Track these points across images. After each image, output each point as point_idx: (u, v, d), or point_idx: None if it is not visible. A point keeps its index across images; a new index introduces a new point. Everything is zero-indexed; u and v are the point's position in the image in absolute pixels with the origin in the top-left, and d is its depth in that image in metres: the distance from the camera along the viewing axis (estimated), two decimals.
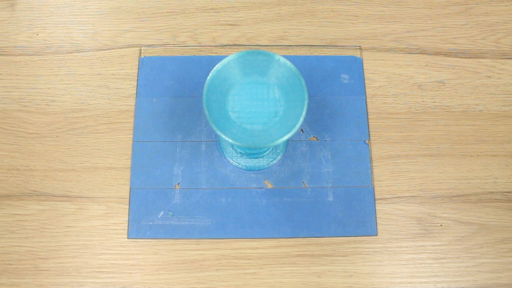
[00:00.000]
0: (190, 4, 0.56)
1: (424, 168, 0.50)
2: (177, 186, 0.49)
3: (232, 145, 0.50)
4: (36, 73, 0.53)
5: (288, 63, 0.38)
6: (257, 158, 0.50)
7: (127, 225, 0.48)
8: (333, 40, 0.54)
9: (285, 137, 0.36)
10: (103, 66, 0.53)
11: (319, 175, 0.50)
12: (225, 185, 0.49)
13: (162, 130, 0.51)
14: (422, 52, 0.54)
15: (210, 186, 0.49)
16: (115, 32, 0.54)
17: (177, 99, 0.52)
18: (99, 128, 0.51)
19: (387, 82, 0.53)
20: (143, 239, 0.48)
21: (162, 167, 0.50)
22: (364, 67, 0.53)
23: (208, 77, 0.38)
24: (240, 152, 0.49)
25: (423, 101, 0.52)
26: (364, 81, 0.53)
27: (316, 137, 0.51)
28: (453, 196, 0.50)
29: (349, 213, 0.49)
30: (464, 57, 0.54)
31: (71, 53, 0.54)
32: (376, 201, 0.49)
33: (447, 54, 0.54)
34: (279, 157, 0.50)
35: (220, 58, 0.52)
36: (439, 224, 0.49)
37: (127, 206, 0.49)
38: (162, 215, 0.48)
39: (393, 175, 0.50)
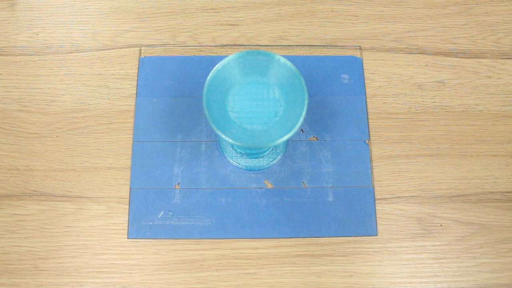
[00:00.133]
0: (190, 4, 0.56)
1: (424, 168, 0.50)
2: (177, 186, 0.49)
3: (232, 145, 0.50)
4: (36, 73, 0.53)
5: (288, 63, 0.38)
6: (257, 158, 0.50)
7: (127, 225, 0.48)
8: (333, 40, 0.54)
9: (285, 137, 0.36)
10: (103, 66, 0.53)
11: (319, 175, 0.50)
12: (225, 185, 0.49)
13: (162, 130, 0.51)
14: (422, 52, 0.54)
15: (210, 186, 0.49)
16: (115, 32, 0.54)
17: (177, 99, 0.52)
18: (99, 128, 0.51)
19: (387, 82, 0.53)
20: (143, 239, 0.48)
21: (162, 167, 0.50)
22: (364, 67, 0.53)
23: (208, 77, 0.38)
24: (240, 152, 0.49)
25: (423, 101, 0.52)
26: (364, 81, 0.53)
27: (316, 137, 0.51)
28: (453, 196, 0.50)
29: (349, 213, 0.49)
30: (464, 57, 0.54)
31: (71, 53, 0.54)
32: (376, 201, 0.49)
33: (447, 54, 0.54)
34: (279, 157, 0.50)
35: (220, 58, 0.52)
36: (439, 224, 0.49)
37: (127, 206, 0.49)
38: (162, 215, 0.48)
39: (393, 175, 0.50)
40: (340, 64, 0.53)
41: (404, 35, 0.55)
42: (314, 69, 0.53)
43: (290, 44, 0.54)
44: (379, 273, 0.47)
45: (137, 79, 0.53)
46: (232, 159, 0.50)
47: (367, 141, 0.51)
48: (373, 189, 0.49)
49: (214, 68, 0.38)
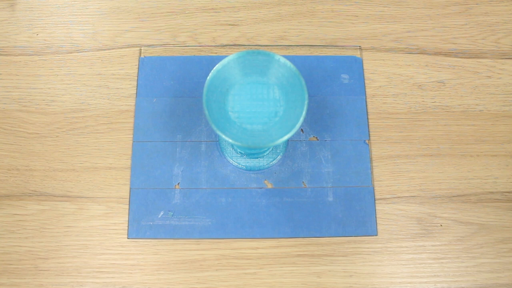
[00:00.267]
0: (190, 4, 0.56)
1: (424, 168, 0.50)
2: (177, 186, 0.49)
3: (232, 145, 0.50)
4: (36, 73, 0.53)
5: (288, 63, 0.38)
6: (257, 158, 0.50)
7: (127, 225, 0.48)
8: (333, 40, 0.54)
9: (285, 137, 0.36)
10: (103, 66, 0.53)
11: (319, 175, 0.50)
12: (225, 185, 0.49)
13: (162, 130, 0.51)
14: (422, 52, 0.54)
15: (210, 186, 0.49)
16: (115, 32, 0.54)
17: (177, 99, 0.52)
18: (99, 128, 0.51)
19: (387, 82, 0.53)
20: (143, 239, 0.48)
21: (162, 167, 0.50)
22: (364, 67, 0.53)
23: (208, 77, 0.38)
24: (240, 152, 0.49)
25: (423, 101, 0.52)
26: (364, 81, 0.53)
27: (316, 137, 0.51)
28: (453, 196, 0.50)
29: (349, 213, 0.49)
30: (464, 57, 0.54)
31: (71, 53, 0.54)
32: (376, 201, 0.49)
33: (447, 54, 0.54)
34: (279, 157, 0.50)
35: (220, 58, 0.52)
36: (439, 224, 0.49)
37: (127, 206, 0.49)
38: (162, 215, 0.48)
39: (393, 175, 0.50)
40: (340, 64, 0.53)
41: (404, 35, 0.55)
42: (314, 69, 0.53)
43: (290, 44, 0.54)
44: (379, 273, 0.47)
45: (137, 79, 0.53)
46: (232, 159, 0.50)
47: (367, 141, 0.51)
48: (373, 189, 0.49)
49: (214, 68, 0.38)
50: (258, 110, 0.39)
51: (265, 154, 0.50)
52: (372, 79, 0.53)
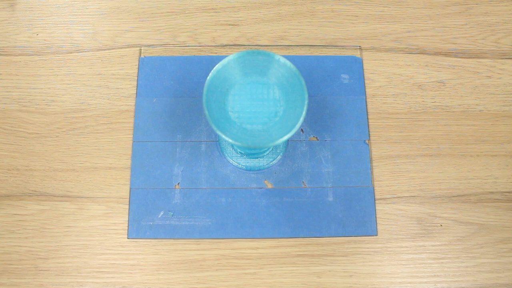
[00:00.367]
0: (190, 4, 0.56)
1: (424, 168, 0.50)
2: (177, 186, 0.49)
3: (232, 145, 0.50)
4: (36, 73, 0.53)
5: (288, 63, 0.38)
6: (257, 158, 0.50)
7: (127, 225, 0.48)
8: (333, 40, 0.54)
9: (285, 137, 0.36)
10: (103, 66, 0.53)
11: (319, 175, 0.50)
12: (225, 185, 0.49)
13: (162, 130, 0.51)
14: (422, 52, 0.54)
15: (210, 186, 0.49)
16: (115, 32, 0.54)
17: (177, 99, 0.52)
18: (99, 128, 0.51)
19: (387, 82, 0.53)
20: (143, 239, 0.48)
21: (162, 167, 0.50)
22: (364, 67, 0.53)
23: (208, 77, 0.38)
24: (240, 152, 0.49)
25: (423, 101, 0.52)
26: (364, 81, 0.53)
27: (316, 137, 0.51)
28: (453, 196, 0.50)
29: (349, 213, 0.49)
30: (464, 57, 0.54)
31: (71, 53, 0.54)
32: (376, 201, 0.49)
33: (447, 54, 0.54)
34: (279, 157, 0.50)
35: (220, 58, 0.52)
36: (439, 224, 0.49)
37: (127, 206, 0.49)
38: (162, 215, 0.48)
39: (393, 175, 0.50)
40: (340, 64, 0.53)
41: (404, 35, 0.55)
42: (314, 69, 0.53)
43: (290, 44, 0.54)
44: (379, 273, 0.47)
45: (137, 79, 0.53)
46: (232, 159, 0.50)
47: (367, 141, 0.51)
48: (373, 189, 0.49)
49: (214, 68, 0.38)
50: (258, 110, 0.39)
51: (265, 154, 0.50)
52: (372, 79, 0.53)
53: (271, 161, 0.50)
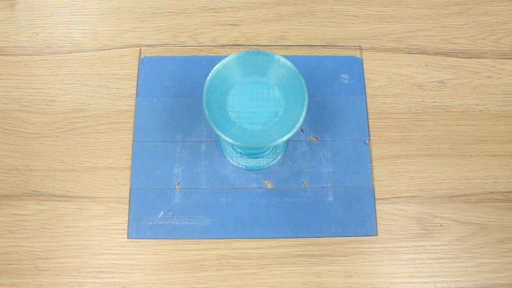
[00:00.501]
0: (190, 4, 0.56)
1: (424, 168, 0.50)
2: (177, 186, 0.49)
3: (232, 145, 0.50)
4: (36, 73, 0.53)
5: (288, 63, 0.38)
6: (257, 158, 0.50)
7: (127, 225, 0.48)
8: (333, 40, 0.54)
9: (285, 137, 0.36)
10: (103, 66, 0.53)
11: (319, 175, 0.50)
12: (225, 185, 0.49)
13: (162, 130, 0.51)
14: (422, 52, 0.54)
15: (210, 186, 0.49)
16: (115, 32, 0.54)
17: (177, 99, 0.52)
18: (99, 128, 0.51)
19: (387, 82, 0.53)
20: (143, 239, 0.48)
21: (162, 167, 0.50)
22: (364, 67, 0.53)
23: (208, 77, 0.38)
24: (240, 152, 0.49)
25: (423, 101, 0.52)
26: (364, 81, 0.53)
27: (316, 137, 0.51)
28: (453, 196, 0.50)
29: (349, 213, 0.49)
30: (464, 57, 0.54)
31: (71, 53, 0.54)
32: (376, 201, 0.49)
33: (447, 54, 0.54)
34: (279, 157, 0.50)
35: (220, 58, 0.52)
36: (439, 224, 0.49)
37: (127, 206, 0.49)
38: (162, 215, 0.48)
39: (393, 175, 0.50)
40: (340, 64, 0.53)
41: (404, 35, 0.55)
42: (314, 69, 0.53)
43: (290, 44, 0.54)
44: (379, 273, 0.47)
45: (137, 79, 0.53)
46: (232, 159, 0.50)
47: (367, 141, 0.51)
48: (373, 189, 0.49)
49: (214, 68, 0.38)
50: (258, 110, 0.39)
51: (265, 154, 0.50)
52: (372, 79, 0.53)
53: (271, 161, 0.50)
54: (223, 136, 0.37)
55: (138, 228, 0.48)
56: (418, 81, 0.53)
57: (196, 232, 0.48)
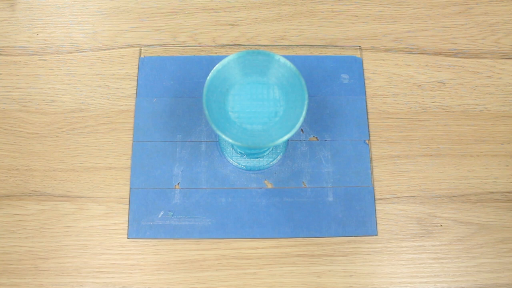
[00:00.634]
0: (190, 4, 0.56)
1: (424, 168, 0.50)
2: (177, 186, 0.49)
3: (232, 145, 0.50)
4: (36, 73, 0.53)
5: (288, 63, 0.38)
6: (257, 158, 0.50)
7: (127, 225, 0.48)
8: (333, 40, 0.54)
9: (285, 137, 0.36)
10: (103, 66, 0.53)
11: (319, 175, 0.50)
12: (225, 185, 0.49)
13: (162, 130, 0.51)
14: (422, 52, 0.54)
15: (210, 186, 0.49)
16: (115, 32, 0.54)
17: (177, 99, 0.52)
18: (99, 128, 0.51)
19: (387, 82, 0.53)
20: (143, 239, 0.48)
21: (162, 167, 0.50)
22: (364, 67, 0.53)
23: (208, 77, 0.38)
24: (240, 152, 0.49)
25: (423, 101, 0.52)
26: (364, 81, 0.53)
27: (316, 137, 0.51)
28: (453, 196, 0.50)
29: (349, 213, 0.49)
30: (464, 57, 0.54)
31: (71, 53, 0.54)
32: (376, 201, 0.49)
33: (447, 54, 0.54)
34: (279, 157, 0.50)
35: (220, 58, 0.52)
36: (439, 224, 0.49)
37: (127, 206, 0.49)
38: (162, 215, 0.48)
39: (393, 175, 0.50)
40: (340, 64, 0.53)
41: (404, 35, 0.55)
42: (314, 69, 0.53)
43: (290, 44, 0.54)
44: (379, 273, 0.47)
45: (137, 79, 0.53)
46: (232, 159, 0.50)
47: (367, 141, 0.51)
48: (373, 189, 0.49)
49: (214, 68, 0.38)
50: (258, 110, 0.39)
51: (265, 154, 0.50)
52: (372, 79, 0.53)
53: (271, 161, 0.50)
54: (223, 136, 0.37)
55: (138, 228, 0.48)
56: (418, 81, 0.53)
57: (196, 232, 0.48)
